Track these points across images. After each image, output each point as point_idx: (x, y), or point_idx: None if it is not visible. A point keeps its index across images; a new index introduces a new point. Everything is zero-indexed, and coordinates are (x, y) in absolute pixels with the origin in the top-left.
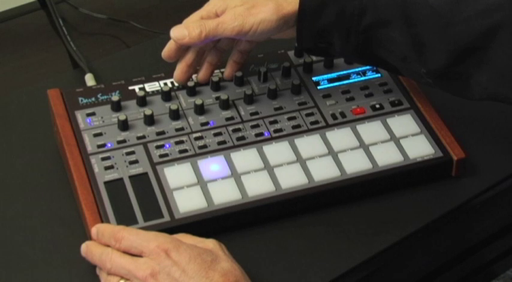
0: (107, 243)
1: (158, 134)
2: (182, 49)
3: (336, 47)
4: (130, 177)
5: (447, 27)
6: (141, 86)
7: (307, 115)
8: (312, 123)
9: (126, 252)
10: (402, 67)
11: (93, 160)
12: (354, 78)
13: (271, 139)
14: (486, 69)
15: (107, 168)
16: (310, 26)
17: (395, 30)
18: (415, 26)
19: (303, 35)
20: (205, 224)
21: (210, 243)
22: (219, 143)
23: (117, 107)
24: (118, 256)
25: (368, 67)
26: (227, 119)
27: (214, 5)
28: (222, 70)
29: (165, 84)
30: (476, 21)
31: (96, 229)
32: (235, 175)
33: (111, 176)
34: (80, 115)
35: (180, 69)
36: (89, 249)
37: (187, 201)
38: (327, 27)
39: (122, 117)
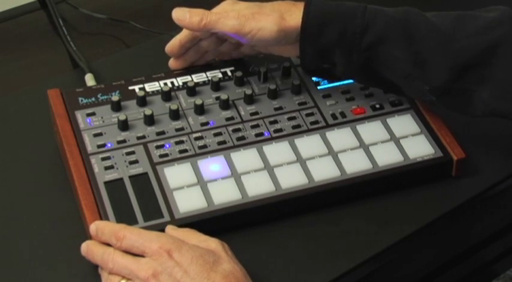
0: (107, 241)
1: (158, 134)
2: (185, 47)
3: (338, 67)
4: (130, 177)
5: (448, 44)
6: (141, 86)
7: (307, 115)
8: (312, 123)
9: (126, 252)
10: (405, 85)
11: (93, 160)
12: None
13: (271, 139)
14: (488, 85)
15: (107, 168)
16: (313, 45)
17: (397, 48)
18: (416, 43)
19: (305, 54)
20: (205, 224)
21: (213, 243)
22: (219, 143)
23: (117, 107)
24: (120, 256)
25: None
26: (227, 119)
27: (223, 9)
28: (222, 70)
29: (165, 84)
30: (477, 37)
31: (96, 226)
32: (235, 175)
33: (111, 176)
34: (80, 115)
35: (172, 43)
36: (89, 249)
37: (187, 201)
38: (329, 46)
39: (122, 117)
